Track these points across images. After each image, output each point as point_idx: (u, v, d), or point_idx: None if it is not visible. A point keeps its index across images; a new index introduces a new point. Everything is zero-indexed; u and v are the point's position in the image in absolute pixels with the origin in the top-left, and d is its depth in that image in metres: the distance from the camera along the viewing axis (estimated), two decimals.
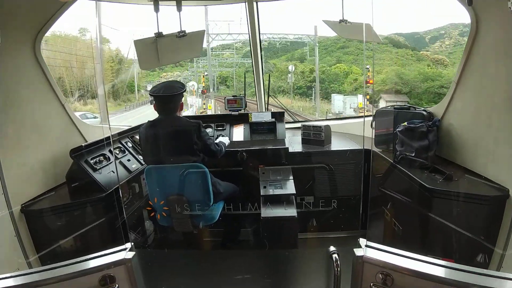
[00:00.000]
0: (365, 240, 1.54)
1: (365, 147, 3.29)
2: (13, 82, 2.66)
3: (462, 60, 2.70)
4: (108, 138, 3.05)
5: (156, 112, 2.93)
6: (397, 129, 3.02)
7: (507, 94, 2.23)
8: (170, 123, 2.86)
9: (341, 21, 3.27)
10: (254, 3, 3.69)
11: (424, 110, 3.10)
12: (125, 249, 1.62)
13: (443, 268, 1.39)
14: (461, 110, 2.81)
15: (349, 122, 4.36)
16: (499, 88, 2.32)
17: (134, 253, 1.59)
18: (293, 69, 28.97)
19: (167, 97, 2.85)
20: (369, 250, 1.50)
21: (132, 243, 1.65)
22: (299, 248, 2.75)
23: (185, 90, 2.93)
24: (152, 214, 2.92)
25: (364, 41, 2.68)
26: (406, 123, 2.98)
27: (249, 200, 3.07)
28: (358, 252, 1.49)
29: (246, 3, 3.64)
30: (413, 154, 2.87)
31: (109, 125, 2.83)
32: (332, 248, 1.55)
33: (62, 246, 2.60)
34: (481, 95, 2.58)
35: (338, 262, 1.50)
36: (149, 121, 2.93)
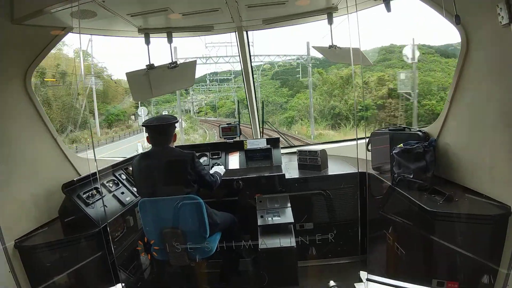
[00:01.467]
0: (366, 273, 1.48)
1: (361, 170, 3.25)
2: (4, 117, 2.66)
3: (454, 78, 2.70)
4: (100, 171, 3.00)
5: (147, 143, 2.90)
6: (393, 151, 2.98)
7: (501, 110, 2.23)
8: (163, 154, 2.83)
9: (330, 46, 3.32)
10: (244, 32, 3.74)
11: (419, 131, 3.08)
12: None
13: None
14: (456, 128, 2.79)
15: (344, 145, 4.33)
16: (493, 104, 2.32)
17: None
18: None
19: (160, 128, 2.83)
20: (370, 284, 1.44)
21: (123, 284, 1.59)
22: (299, 279, 2.65)
23: (177, 121, 2.91)
24: (143, 254, 2.85)
25: (352, 64, 2.68)
26: (402, 144, 2.95)
27: (247, 230, 2.99)
28: (359, 286, 1.43)
29: (236, 32, 3.68)
30: (411, 176, 2.82)
31: (95, 158, 2.79)
32: (332, 283, 1.50)
33: (57, 282, 2.54)
34: (475, 113, 2.56)
35: None
36: (142, 153, 2.91)
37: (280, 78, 34.03)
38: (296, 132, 24.75)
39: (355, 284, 1.43)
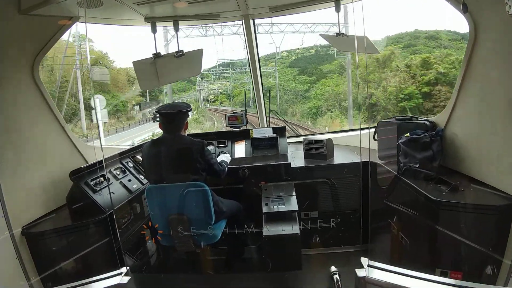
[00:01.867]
0: (367, 259, 1.48)
1: (367, 160, 3.24)
2: (13, 106, 2.69)
3: (463, 67, 2.67)
4: (107, 159, 3.04)
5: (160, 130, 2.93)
6: (400, 141, 2.97)
7: (509, 100, 2.19)
8: (174, 141, 2.85)
9: (337, 34, 3.28)
10: (251, 20, 3.71)
11: (426, 120, 3.06)
12: (120, 274, 1.59)
13: (449, 287, 1.33)
14: (464, 118, 2.76)
15: (351, 134, 4.32)
16: (501, 93, 2.29)
17: (129, 277, 1.56)
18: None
19: (173, 115, 2.85)
20: (371, 270, 1.45)
21: (128, 268, 1.62)
22: (302, 266, 2.68)
23: (190, 109, 2.92)
24: (147, 238, 2.89)
25: (364, 54, 2.65)
26: (408, 134, 2.94)
27: (252, 218, 3.02)
28: (360, 272, 1.44)
29: (243, 20, 3.66)
30: (417, 165, 2.81)
31: (102, 146, 2.82)
32: (333, 269, 1.50)
33: (63, 268, 2.58)
34: (483, 102, 2.53)
35: (340, 283, 1.45)
36: (152, 139, 2.93)
37: (299, 66, 32.20)
38: (327, 127, 20.74)
39: (356, 269, 1.44)
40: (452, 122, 2.88)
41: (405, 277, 1.40)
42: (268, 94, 4.82)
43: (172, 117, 2.85)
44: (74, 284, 1.59)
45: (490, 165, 2.46)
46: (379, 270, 1.45)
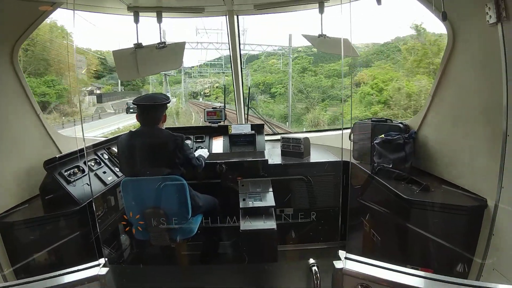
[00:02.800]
0: (345, 252, 1.53)
1: (344, 159, 3.33)
2: None
3: (438, 72, 2.78)
4: (82, 150, 2.97)
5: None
6: (374, 141, 3.07)
7: (482, 106, 2.30)
8: (152, 134, 2.81)
9: (320, 35, 3.34)
10: (235, 16, 3.72)
11: (400, 123, 3.18)
12: (98, 265, 1.57)
13: (422, 279, 1.40)
14: (437, 122, 2.88)
15: (327, 134, 4.41)
16: (475, 100, 2.39)
17: (108, 269, 1.55)
18: None
19: (150, 107, 2.80)
20: (348, 262, 1.50)
21: (106, 259, 1.60)
22: (278, 261, 2.73)
23: (169, 102, 2.88)
24: (127, 228, 2.84)
25: (342, 55, 2.71)
26: (383, 135, 3.04)
27: (228, 213, 3.03)
28: (338, 264, 1.48)
29: (227, 15, 3.66)
30: (390, 166, 2.91)
31: (84, 136, 2.75)
32: (311, 261, 1.54)
33: (37, 260, 2.52)
34: (457, 107, 2.64)
35: (318, 274, 1.49)
36: (130, 131, 2.88)
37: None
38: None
39: (334, 261, 1.48)
40: (425, 125, 3.00)
41: (380, 269, 1.45)
42: (248, 92, 4.84)
43: (150, 109, 2.80)
44: (50, 274, 1.55)
45: (461, 167, 2.58)
46: (356, 262, 1.50)
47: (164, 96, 2.93)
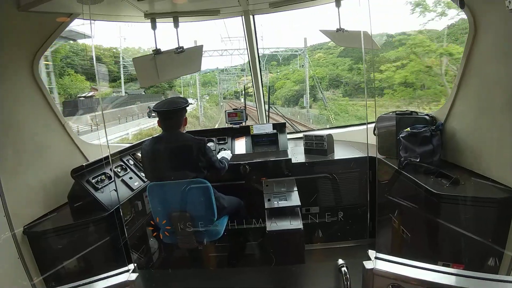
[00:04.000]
0: (374, 251, 1.50)
1: (369, 155, 3.26)
2: (12, 103, 2.66)
3: (462, 62, 2.69)
4: (107, 157, 3.03)
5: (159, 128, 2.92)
6: (400, 135, 2.99)
7: (508, 94, 2.21)
8: (174, 139, 2.84)
9: (338, 30, 3.28)
10: (251, 16, 3.71)
11: (426, 115, 3.08)
12: (128, 271, 1.59)
13: (454, 277, 1.36)
14: (464, 112, 2.78)
15: (351, 130, 4.33)
16: (501, 88, 2.30)
17: (137, 274, 1.57)
18: None
19: (170, 112, 2.82)
20: (379, 262, 1.46)
21: (135, 264, 1.62)
22: (306, 261, 2.70)
23: (188, 105, 2.91)
24: (155, 233, 2.88)
25: (363, 48, 2.65)
26: (409, 128, 2.96)
27: (253, 214, 3.03)
28: (368, 264, 1.45)
29: (243, 16, 3.66)
30: (417, 160, 2.83)
31: (108, 144, 2.80)
32: (340, 261, 1.51)
33: (66, 267, 2.55)
34: (482, 97, 2.55)
35: (348, 275, 1.46)
36: (153, 137, 2.92)
37: (351, 56, 28.55)
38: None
39: (364, 261, 1.45)
40: (451, 117, 2.90)
41: (411, 267, 1.42)
42: (268, 90, 4.81)
43: (170, 115, 2.83)
44: (80, 282, 1.57)
45: (490, 158, 2.48)
46: (386, 262, 1.47)
47: (182, 99, 2.94)
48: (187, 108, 2.91)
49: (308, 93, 26.59)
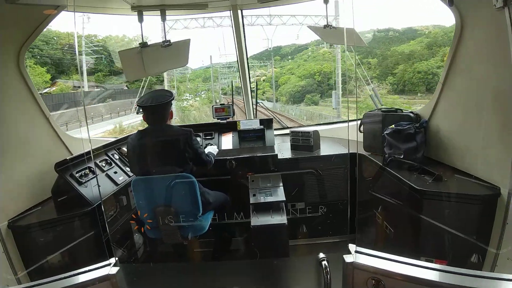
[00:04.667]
0: (355, 245, 1.51)
1: (353, 151, 3.28)
2: None
3: (448, 60, 2.72)
4: (93, 151, 2.99)
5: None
6: (385, 132, 3.02)
7: (493, 93, 2.24)
8: (161, 132, 2.82)
9: (325, 26, 3.29)
10: (239, 11, 3.69)
11: (411, 112, 3.12)
12: (109, 265, 1.58)
13: (436, 272, 1.37)
14: (448, 110, 2.82)
15: (337, 126, 4.36)
16: (485, 87, 2.34)
17: (118, 268, 1.56)
18: None
19: (155, 107, 2.79)
20: (359, 255, 1.47)
21: (117, 258, 1.61)
22: (290, 256, 2.72)
23: (173, 98, 2.88)
24: (136, 227, 2.86)
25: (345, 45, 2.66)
26: (393, 125, 2.99)
27: (239, 209, 3.03)
28: (348, 258, 1.46)
29: (231, 10, 3.64)
30: (401, 156, 2.86)
31: (90, 138, 2.77)
32: (321, 255, 1.52)
33: (50, 261, 2.54)
34: (467, 95, 2.59)
35: (328, 269, 1.47)
36: (139, 131, 2.89)
37: (358, 51, 28.24)
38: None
39: (344, 255, 1.46)
40: (436, 114, 2.94)
41: (392, 262, 1.43)
42: (255, 86, 4.80)
43: (156, 109, 2.80)
44: (62, 276, 1.56)
45: (473, 156, 2.52)
46: (366, 256, 1.48)
47: (167, 93, 2.92)
48: (171, 101, 2.88)
49: (340, 88, 24.45)
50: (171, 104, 2.89)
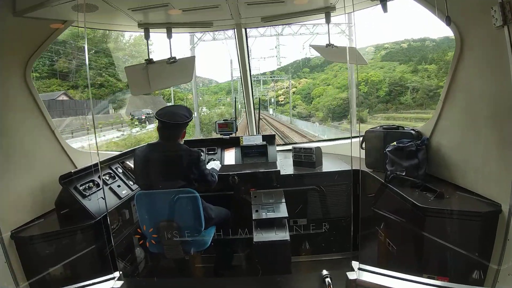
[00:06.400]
0: (358, 263, 1.52)
1: (355, 168, 3.30)
2: (3, 109, 2.66)
3: (448, 78, 2.75)
4: (97, 164, 3.02)
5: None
6: (386, 149, 3.05)
7: (493, 111, 2.27)
8: (170, 148, 2.85)
9: (327, 45, 3.36)
10: (243, 29, 3.77)
11: (412, 130, 3.15)
12: (113, 278, 1.59)
13: None
14: (449, 128, 2.84)
15: (339, 143, 4.39)
16: (485, 104, 2.36)
17: (122, 282, 1.57)
18: None
19: (172, 125, 2.82)
20: (362, 273, 1.48)
21: (121, 272, 1.62)
22: (292, 272, 2.71)
23: (191, 119, 2.91)
24: (141, 241, 2.86)
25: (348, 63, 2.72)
26: (395, 142, 3.02)
27: (241, 225, 3.03)
28: (351, 275, 1.48)
29: (235, 29, 3.72)
30: (403, 173, 2.88)
31: (98, 152, 2.80)
32: (325, 272, 1.54)
33: (52, 273, 2.54)
34: (468, 112, 2.61)
35: (331, 286, 1.48)
36: (148, 144, 2.92)
37: (398, 60, 26.30)
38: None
39: (347, 272, 1.47)
40: (437, 132, 2.96)
41: (395, 279, 1.44)
42: (258, 102, 4.86)
43: (172, 126, 2.83)
44: (70, 287, 1.57)
45: (474, 172, 2.53)
46: (369, 273, 1.49)
47: (187, 113, 2.93)
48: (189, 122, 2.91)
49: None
50: (187, 124, 2.92)
